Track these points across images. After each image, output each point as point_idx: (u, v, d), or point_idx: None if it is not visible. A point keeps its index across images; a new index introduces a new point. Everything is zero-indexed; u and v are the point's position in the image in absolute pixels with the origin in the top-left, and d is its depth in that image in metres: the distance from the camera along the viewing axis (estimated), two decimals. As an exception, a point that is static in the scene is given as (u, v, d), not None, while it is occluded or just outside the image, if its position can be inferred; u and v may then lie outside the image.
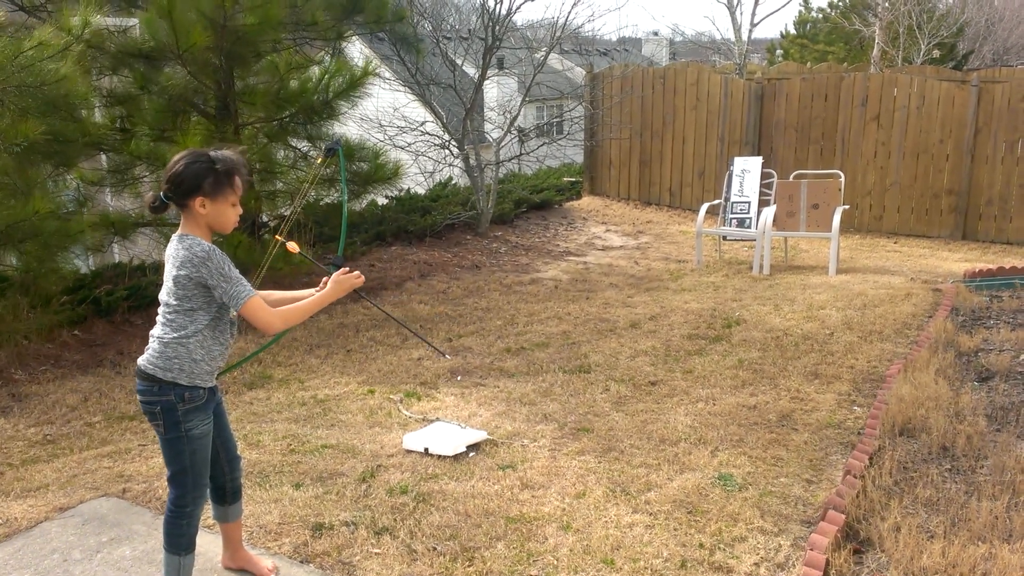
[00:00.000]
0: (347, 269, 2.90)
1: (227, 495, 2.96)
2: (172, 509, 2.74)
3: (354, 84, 7.00)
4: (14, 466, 4.17)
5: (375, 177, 7.57)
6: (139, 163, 6.65)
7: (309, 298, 2.81)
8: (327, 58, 7.51)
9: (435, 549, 3.18)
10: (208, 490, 2.86)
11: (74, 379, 5.49)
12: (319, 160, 2.97)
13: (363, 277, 2.90)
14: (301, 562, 3.14)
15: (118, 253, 7.91)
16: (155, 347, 2.64)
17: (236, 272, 2.60)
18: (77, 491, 3.76)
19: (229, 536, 3.06)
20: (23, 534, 3.39)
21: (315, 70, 7.30)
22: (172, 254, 2.60)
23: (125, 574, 3.06)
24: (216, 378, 2.78)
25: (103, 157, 7.35)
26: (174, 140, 6.11)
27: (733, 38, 16.69)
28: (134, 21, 6.71)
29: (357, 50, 9.45)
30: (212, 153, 2.61)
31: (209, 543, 3.19)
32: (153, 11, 5.97)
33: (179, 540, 2.76)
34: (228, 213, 2.65)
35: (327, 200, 7.80)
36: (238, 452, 3.00)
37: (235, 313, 2.70)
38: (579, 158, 14.45)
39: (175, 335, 2.62)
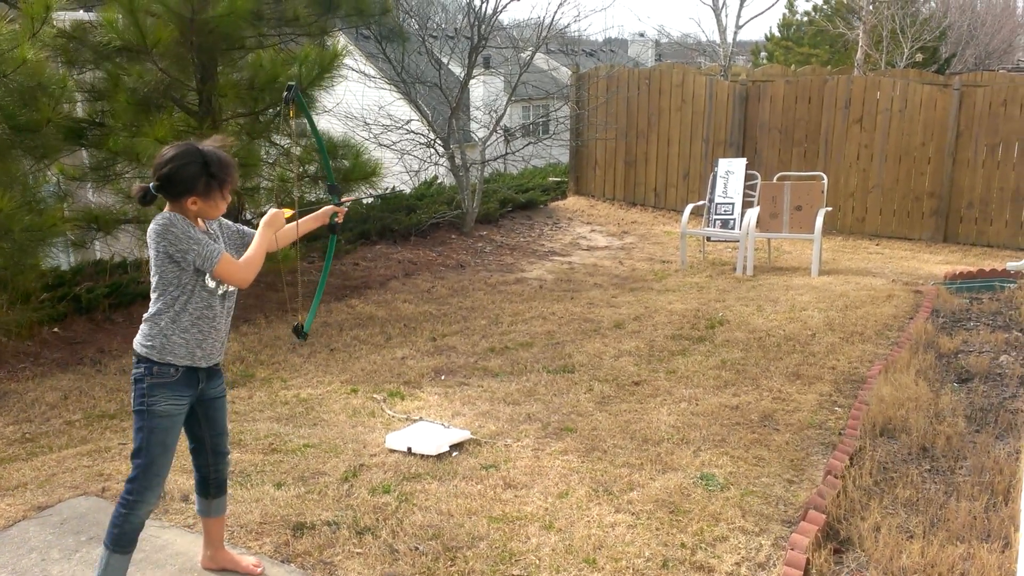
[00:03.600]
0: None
1: (211, 487, 2.94)
2: (123, 493, 2.70)
3: (325, 69, 6.90)
4: (-8, 464, 4.13)
5: (353, 175, 7.54)
6: (119, 159, 6.58)
7: (254, 239, 2.81)
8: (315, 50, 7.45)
9: (417, 549, 3.17)
10: (160, 494, 2.76)
11: (54, 377, 5.44)
12: (291, 114, 3.00)
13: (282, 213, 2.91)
14: (282, 562, 3.13)
15: (100, 250, 7.84)
16: (142, 325, 2.72)
17: (199, 235, 2.62)
18: (56, 490, 3.72)
19: (211, 533, 3.03)
20: (0, 533, 3.35)
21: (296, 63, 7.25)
22: (148, 232, 2.65)
23: (104, 574, 3.04)
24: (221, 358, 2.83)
25: (83, 153, 7.28)
26: (146, 135, 6.01)
27: (718, 40, 16.77)
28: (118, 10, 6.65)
29: (343, 46, 9.42)
30: (205, 151, 2.62)
31: (190, 543, 3.17)
32: (114, 7, 5.87)
33: (112, 531, 2.70)
34: (219, 206, 2.70)
35: (310, 198, 7.76)
36: (227, 448, 2.98)
37: (214, 286, 2.70)
38: (565, 158, 14.46)
39: (152, 312, 2.69)
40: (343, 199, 3.25)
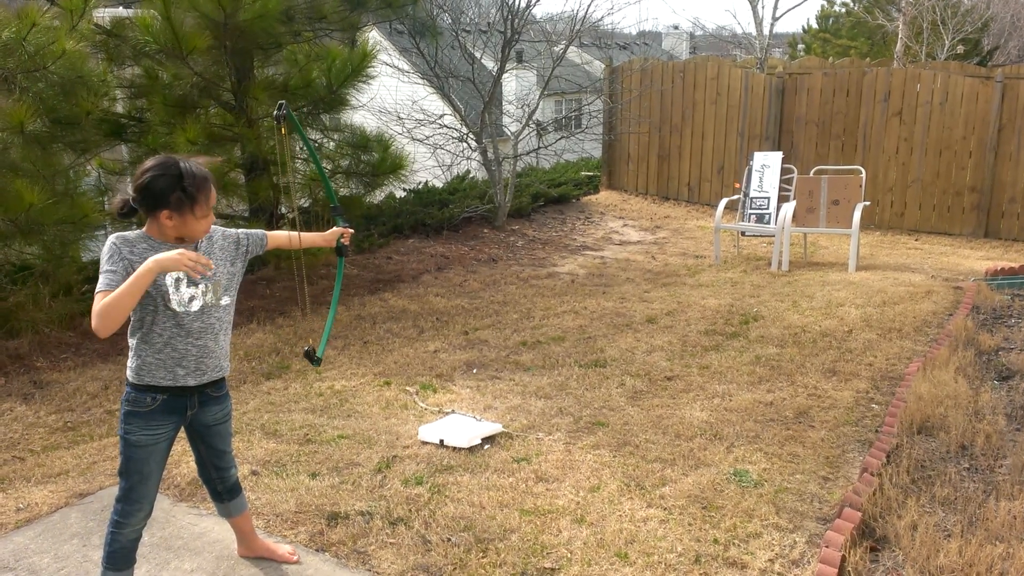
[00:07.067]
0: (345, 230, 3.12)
1: (222, 494, 2.96)
2: (112, 512, 2.69)
3: (357, 70, 6.93)
4: (35, 452, 4.23)
5: (380, 168, 7.59)
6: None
7: (124, 283, 2.38)
8: (346, 51, 7.51)
9: (449, 540, 3.19)
10: (147, 514, 2.72)
11: (95, 367, 5.54)
12: (283, 132, 3.07)
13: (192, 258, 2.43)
14: (316, 551, 3.17)
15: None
16: None
17: (114, 266, 2.45)
18: (96, 477, 3.80)
19: (240, 529, 3.09)
20: (43, 519, 3.44)
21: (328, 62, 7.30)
22: None
23: (143, 560, 3.09)
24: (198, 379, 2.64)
25: (123, 148, 7.41)
26: (180, 134, 6.10)
27: (754, 32, 16.60)
28: (154, 12, 6.77)
29: (376, 42, 9.49)
30: (183, 165, 2.49)
31: (227, 531, 3.22)
32: (148, 13, 5.93)
33: (106, 549, 2.69)
34: (194, 225, 2.54)
35: (343, 192, 7.83)
36: (229, 463, 2.92)
37: (178, 308, 2.54)
38: (597, 152, 14.41)
39: (129, 332, 2.61)
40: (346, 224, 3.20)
